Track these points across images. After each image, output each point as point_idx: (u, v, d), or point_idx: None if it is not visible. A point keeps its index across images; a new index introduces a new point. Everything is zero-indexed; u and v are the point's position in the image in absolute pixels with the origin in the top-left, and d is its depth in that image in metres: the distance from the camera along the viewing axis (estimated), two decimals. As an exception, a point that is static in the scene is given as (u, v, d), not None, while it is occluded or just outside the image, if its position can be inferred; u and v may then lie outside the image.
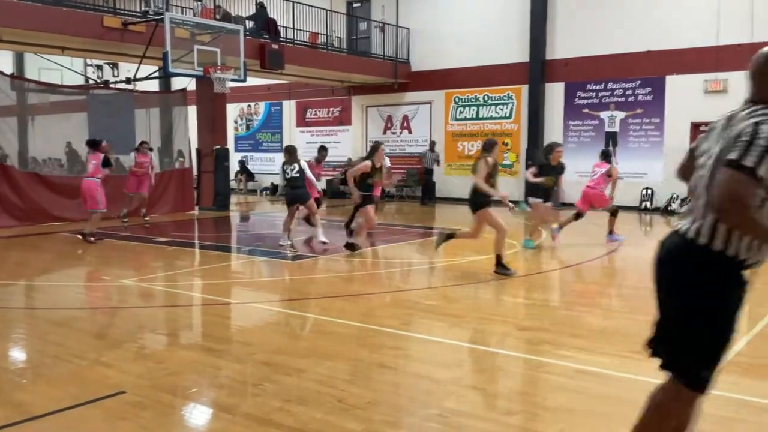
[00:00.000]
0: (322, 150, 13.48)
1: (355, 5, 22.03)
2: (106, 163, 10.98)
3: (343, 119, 22.74)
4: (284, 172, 10.33)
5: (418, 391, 4.24)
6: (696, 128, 16.26)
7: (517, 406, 4.03)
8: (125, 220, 13.61)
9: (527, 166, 10.43)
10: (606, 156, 11.38)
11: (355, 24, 21.63)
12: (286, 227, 10.56)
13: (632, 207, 16.71)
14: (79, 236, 10.89)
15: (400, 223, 14.93)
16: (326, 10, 19.62)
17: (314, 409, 3.87)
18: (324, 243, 10.20)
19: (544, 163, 10.33)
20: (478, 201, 7.97)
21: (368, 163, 9.59)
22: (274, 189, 23.77)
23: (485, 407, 3.91)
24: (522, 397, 4.25)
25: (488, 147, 8.04)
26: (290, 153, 10.48)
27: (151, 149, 14.31)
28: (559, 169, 10.43)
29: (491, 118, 19.48)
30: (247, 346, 5.22)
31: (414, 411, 3.93)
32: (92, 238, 10.84)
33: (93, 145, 11.22)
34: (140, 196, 13.85)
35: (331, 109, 23.02)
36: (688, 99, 16.18)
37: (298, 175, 10.29)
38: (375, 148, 9.77)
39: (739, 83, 15.48)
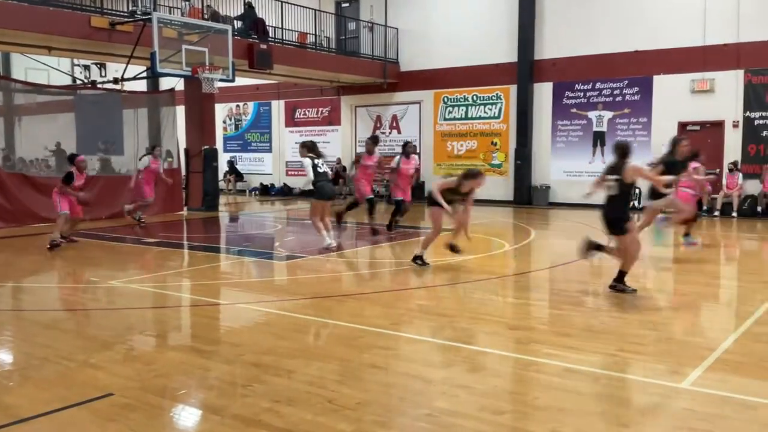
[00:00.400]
0: (372, 141, 12.39)
1: (343, 5, 22.01)
2: (67, 178, 10.76)
3: (332, 119, 22.72)
4: (316, 166, 9.91)
5: (409, 391, 4.25)
6: (683, 128, 16.39)
7: (507, 405, 4.04)
8: (141, 221, 13.49)
9: (653, 166, 8.98)
10: (694, 156, 10.40)
11: (343, 24, 21.62)
12: (328, 226, 10.22)
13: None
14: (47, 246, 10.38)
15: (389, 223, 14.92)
16: (315, 9, 19.60)
17: (304, 409, 3.86)
18: (328, 249, 9.88)
19: (670, 160, 9.19)
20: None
21: (453, 181, 8.48)
22: (263, 189, 23.73)
23: (476, 407, 3.92)
24: (512, 396, 4.26)
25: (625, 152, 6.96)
26: (314, 148, 10.15)
27: (154, 146, 14.21)
28: (684, 164, 9.46)
29: (480, 118, 19.52)
30: (236, 347, 5.21)
31: (404, 411, 3.94)
32: (59, 241, 10.44)
33: (69, 160, 11.30)
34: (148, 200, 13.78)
35: (320, 109, 22.99)
36: (675, 99, 16.30)
37: (329, 170, 10.26)
38: (471, 176, 8.41)
39: (725, 83, 15.63)
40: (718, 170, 15.93)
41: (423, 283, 8.04)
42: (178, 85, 16.98)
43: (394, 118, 21.29)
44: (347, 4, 21.94)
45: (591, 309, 6.67)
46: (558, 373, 4.52)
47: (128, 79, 15.30)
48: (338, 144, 22.46)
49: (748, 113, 15.54)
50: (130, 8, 14.96)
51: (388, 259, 10.04)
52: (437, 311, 6.45)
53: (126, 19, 14.22)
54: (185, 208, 16.71)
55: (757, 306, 6.39)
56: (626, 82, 17.08)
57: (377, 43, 20.53)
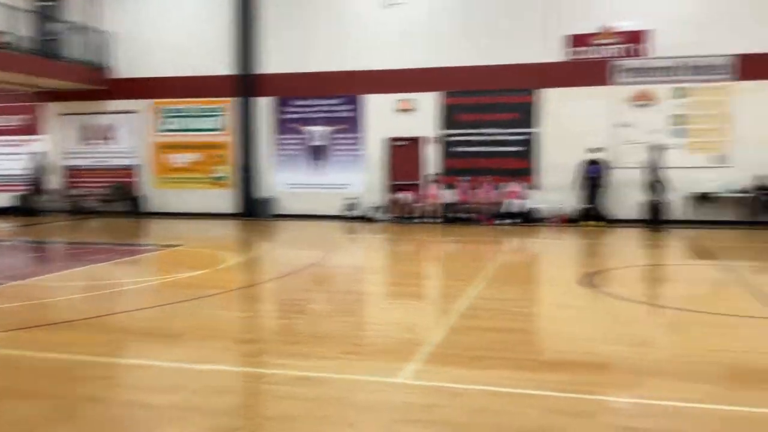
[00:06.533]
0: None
1: (44, 3, 19.93)
2: None
3: (33, 128, 20.41)
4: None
5: (133, 421, 4.01)
6: (391, 142, 17.95)
7: (240, 420, 4.03)
8: None
9: None
10: None
11: (44, 24, 19.56)
12: None
13: (336, 216, 17.68)
14: None
15: (107, 240, 13.89)
16: (7, 6, 17.44)
17: (11, 457, 3.43)
18: None
19: None
20: None
21: None
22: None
23: (208, 427, 3.85)
24: (245, 410, 4.28)
25: None
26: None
27: None
28: None
29: (202, 129, 19.15)
30: None
31: (130, 442, 3.71)
32: None
33: None
34: None
35: (18, 116, 20.51)
36: (382, 116, 17.79)
37: None
38: None
39: (425, 103, 17.53)
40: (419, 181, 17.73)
41: (147, 303, 7.64)
42: None
43: (108, 128, 19.86)
44: (50, 2, 19.91)
45: (314, 316, 6.96)
46: (288, 381, 4.64)
47: None
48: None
49: (443, 131, 17.57)
50: None
51: (106, 281, 9.33)
52: (163, 332, 6.18)
53: None
54: None
55: (459, 302, 7.24)
56: (341, 99, 18.16)
57: (86, 47, 18.96)
